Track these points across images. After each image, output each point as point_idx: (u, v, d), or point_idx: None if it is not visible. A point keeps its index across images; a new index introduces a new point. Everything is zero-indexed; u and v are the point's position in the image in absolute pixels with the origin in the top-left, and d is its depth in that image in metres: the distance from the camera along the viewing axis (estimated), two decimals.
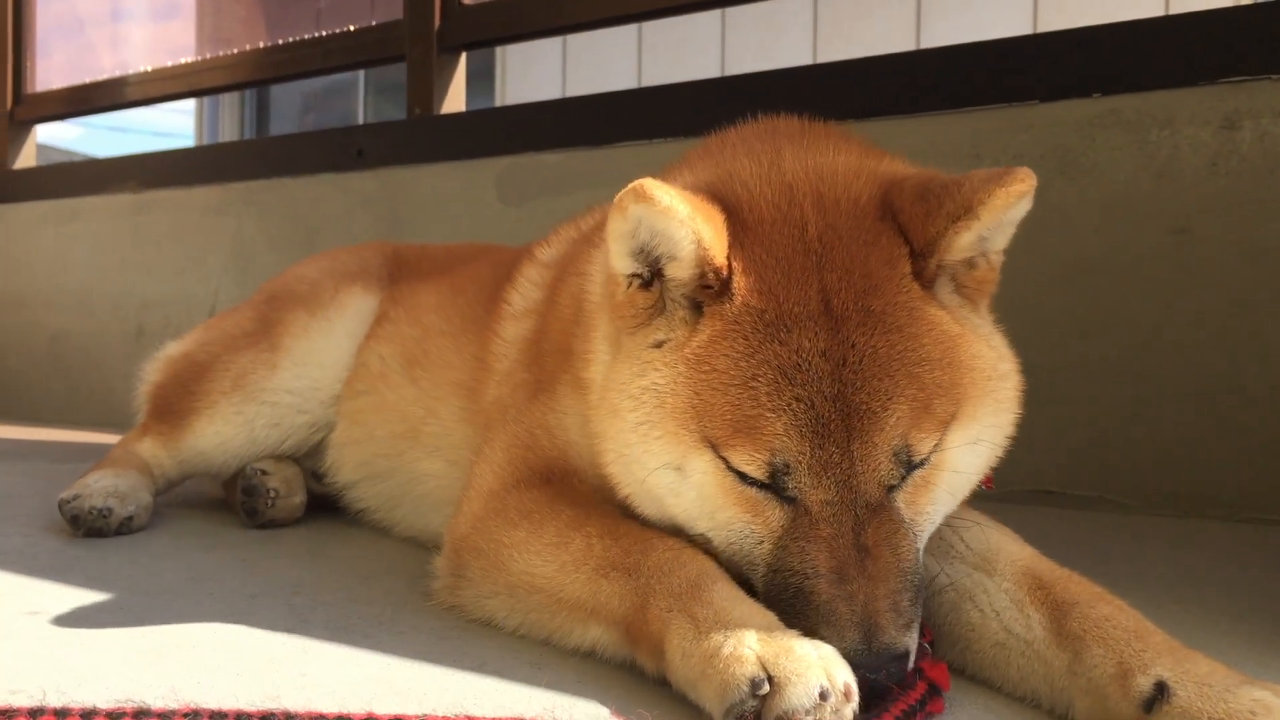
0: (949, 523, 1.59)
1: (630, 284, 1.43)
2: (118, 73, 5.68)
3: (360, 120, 12.67)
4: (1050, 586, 1.40)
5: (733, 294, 1.36)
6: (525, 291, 2.03)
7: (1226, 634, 1.62)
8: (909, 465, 1.34)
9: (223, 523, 2.44)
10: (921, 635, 1.35)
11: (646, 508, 1.48)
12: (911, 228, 1.40)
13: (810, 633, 1.26)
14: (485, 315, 2.09)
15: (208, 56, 5.42)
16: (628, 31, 10.06)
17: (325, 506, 2.47)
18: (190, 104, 14.29)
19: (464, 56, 4.39)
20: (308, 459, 2.44)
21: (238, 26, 6.66)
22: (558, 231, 2.13)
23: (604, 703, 1.30)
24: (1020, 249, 2.67)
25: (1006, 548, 1.51)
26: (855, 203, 1.43)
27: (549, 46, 10.62)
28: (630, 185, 1.33)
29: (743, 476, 1.34)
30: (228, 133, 13.39)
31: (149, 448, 2.44)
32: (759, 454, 1.31)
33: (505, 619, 1.58)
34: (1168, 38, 2.74)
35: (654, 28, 9.82)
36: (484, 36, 4.38)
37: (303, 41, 4.92)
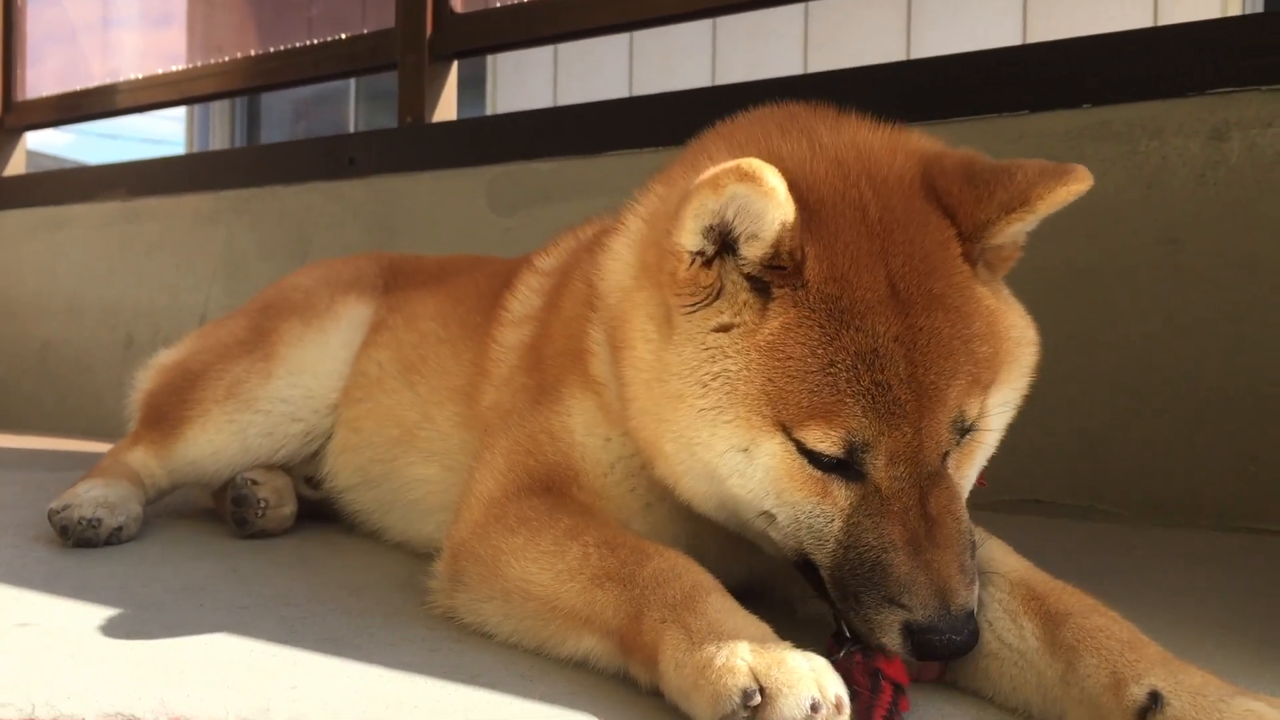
0: None
1: (693, 261, 1.41)
2: (109, 80, 5.66)
3: (351, 127, 12.67)
4: (1044, 598, 1.40)
5: (806, 279, 1.37)
6: (525, 298, 2.03)
7: (1219, 645, 1.62)
8: (962, 432, 1.41)
9: (212, 533, 2.43)
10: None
11: (701, 487, 1.48)
12: (961, 211, 1.45)
13: (888, 601, 1.33)
14: (484, 322, 2.08)
15: (199, 64, 5.41)
16: (619, 40, 10.08)
17: (316, 514, 2.46)
18: (181, 111, 14.27)
19: (455, 65, 4.39)
20: (300, 465, 2.43)
21: (229, 34, 6.66)
22: (556, 241, 2.13)
23: (596, 714, 1.30)
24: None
25: (1000, 559, 1.51)
26: (903, 181, 1.46)
27: (540, 55, 10.63)
28: (729, 164, 1.33)
29: (814, 458, 1.37)
30: (219, 140, 13.36)
31: (140, 457, 2.43)
32: (836, 435, 1.35)
33: (499, 625, 1.58)
34: (1156, 49, 2.76)
35: (645, 36, 9.83)
36: (476, 45, 4.38)
37: (294, 49, 4.92)
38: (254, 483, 2.33)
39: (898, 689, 1.30)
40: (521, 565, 1.54)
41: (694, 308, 1.42)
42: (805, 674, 1.18)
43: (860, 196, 1.43)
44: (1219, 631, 1.69)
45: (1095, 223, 2.76)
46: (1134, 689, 1.22)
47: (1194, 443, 2.61)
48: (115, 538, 2.23)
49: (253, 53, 5.17)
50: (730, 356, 1.39)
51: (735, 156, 1.48)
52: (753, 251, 1.38)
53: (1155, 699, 1.19)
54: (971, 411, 1.40)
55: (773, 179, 1.32)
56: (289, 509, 2.38)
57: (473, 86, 10.98)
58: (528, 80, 10.97)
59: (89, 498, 2.23)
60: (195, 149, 13.29)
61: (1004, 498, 2.79)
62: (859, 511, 1.38)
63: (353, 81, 12.33)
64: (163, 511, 2.62)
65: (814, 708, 1.15)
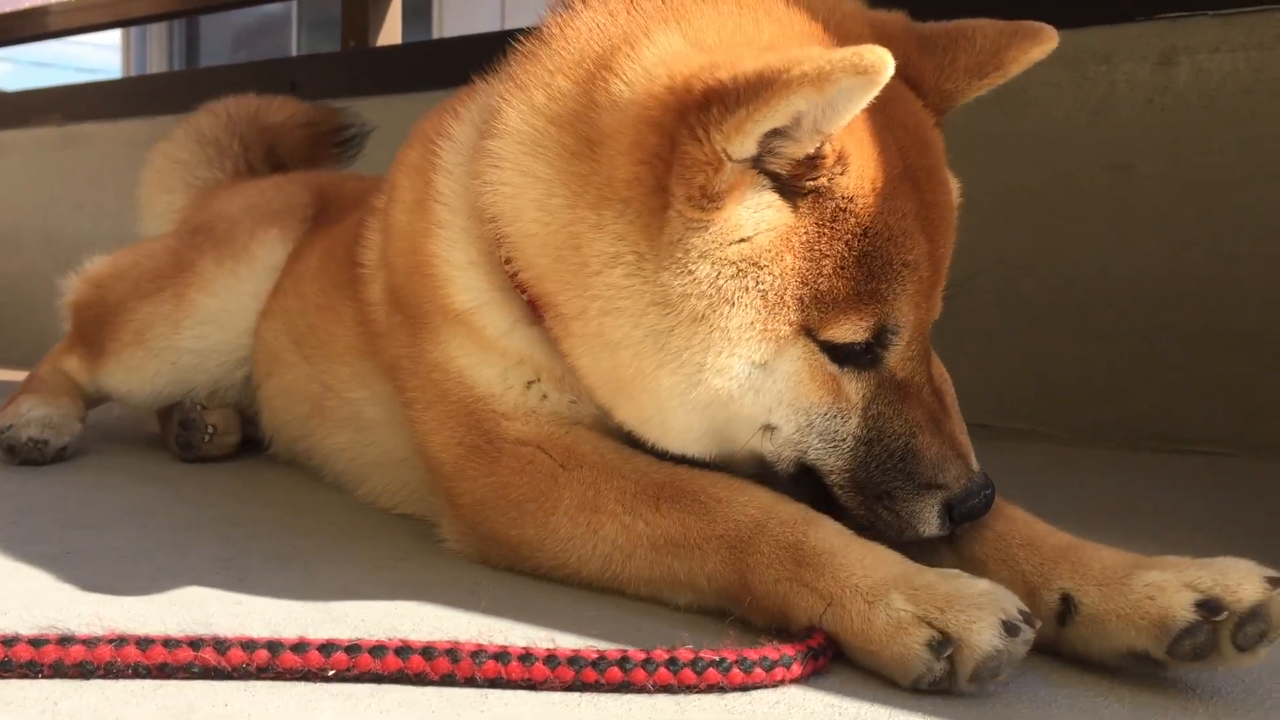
0: None
1: (731, 170, 1.24)
2: (40, 1, 5.47)
3: (296, 55, 12.38)
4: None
5: (848, 167, 1.27)
6: (374, 244, 1.88)
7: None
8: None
9: (156, 457, 2.40)
10: None
11: (693, 419, 1.36)
12: (925, 83, 1.40)
13: (925, 487, 1.31)
14: (351, 281, 1.95)
15: None
16: None
17: (261, 448, 2.43)
18: (117, 40, 13.86)
19: None
20: (244, 401, 2.38)
21: None
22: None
23: (542, 625, 1.30)
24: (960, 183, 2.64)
25: None
26: None
27: None
28: (845, 54, 1.12)
29: (836, 353, 1.32)
30: (155, 69, 13.01)
31: (75, 366, 2.45)
32: (869, 323, 1.30)
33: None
34: None
35: None
36: None
37: None
38: (203, 408, 2.32)
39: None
40: (553, 555, 1.45)
41: (709, 223, 1.26)
42: (981, 598, 1.14)
43: None
44: (1156, 545, 1.72)
45: (1044, 148, 2.77)
46: (1046, 596, 1.24)
47: (1136, 367, 2.65)
48: (60, 456, 2.29)
49: None
50: (763, 266, 1.27)
51: (733, 31, 1.34)
52: (799, 149, 1.24)
53: (1068, 602, 1.22)
54: None
55: (890, 69, 1.13)
56: (234, 437, 2.36)
57: (418, 14, 10.75)
58: (474, 5, 10.76)
59: (34, 417, 2.28)
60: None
61: None
62: (876, 403, 1.34)
63: (294, 8, 12.04)
64: (106, 434, 2.58)
65: (1010, 629, 1.11)
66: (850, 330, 1.30)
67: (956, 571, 1.21)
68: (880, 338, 1.32)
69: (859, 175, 1.28)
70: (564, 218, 1.37)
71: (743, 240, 1.27)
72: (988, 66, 1.39)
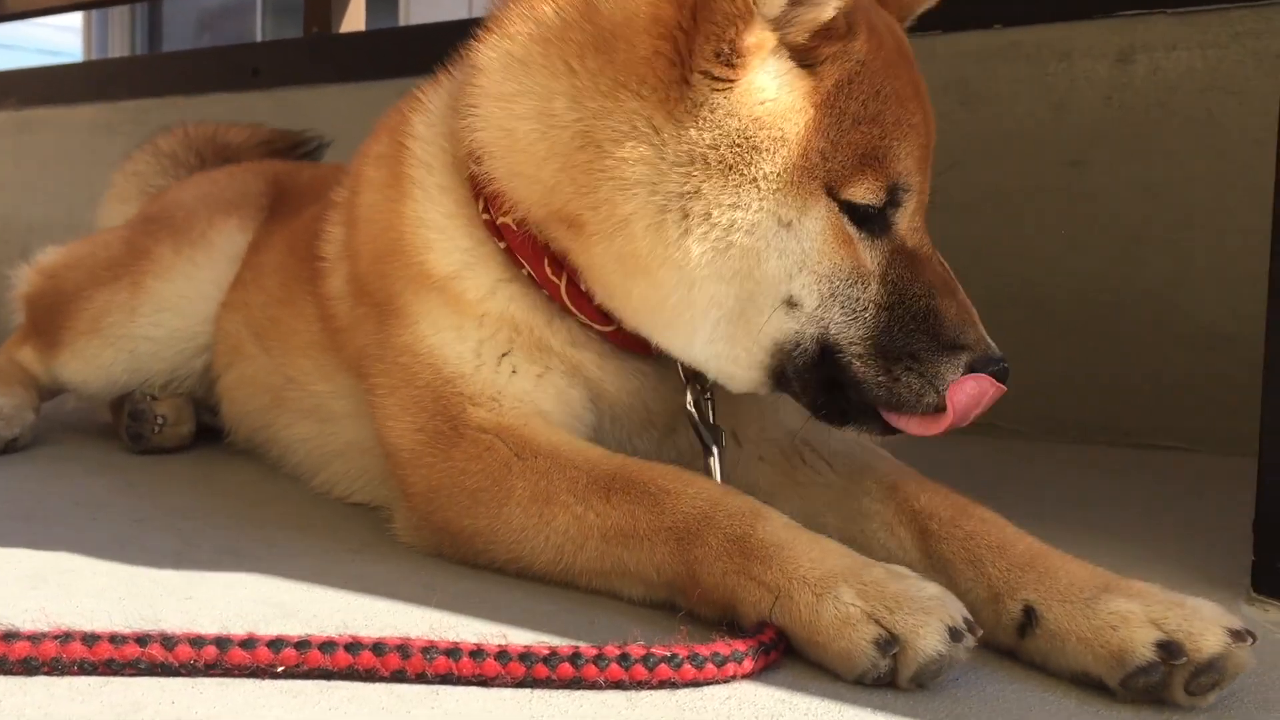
0: (812, 442, 1.63)
1: (760, 26, 1.33)
2: None
3: (258, 41, 12.24)
4: (914, 498, 1.44)
5: (857, 35, 1.38)
6: (334, 237, 1.88)
7: (1108, 548, 1.66)
8: None
9: (108, 448, 2.37)
10: None
11: (721, 291, 1.38)
12: None
13: (949, 347, 1.36)
14: (312, 275, 1.95)
15: None
16: None
17: (218, 436, 2.41)
18: (79, 22, 13.65)
19: None
20: (204, 392, 2.36)
21: None
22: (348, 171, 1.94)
23: (495, 620, 1.30)
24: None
25: (871, 464, 1.55)
26: None
27: None
28: None
29: (854, 214, 1.38)
30: (117, 51, 12.82)
31: (29, 357, 2.40)
32: (883, 182, 1.38)
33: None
34: None
35: None
36: None
37: None
38: (153, 398, 2.29)
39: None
40: (506, 546, 1.46)
41: (733, 82, 1.34)
42: (929, 602, 1.15)
43: None
44: (1107, 538, 1.74)
45: (1004, 143, 2.78)
46: (1010, 604, 1.25)
47: (1092, 362, 2.67)
48: (11, 447, 2.25)
49: None
50: (788, 118, 1.35)
51: None
52: (819, 14, 1.35)
53: (1030, 614, 1.23)
54: None
55: None
56: (187, 428, 2.33)
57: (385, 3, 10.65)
58: None
59: None
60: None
61: None
62: (893, 268, 1.40)
63: None
64: (57, 425, 2.54)
65: (954, 635, 1.12)
66: (867, 189, 1.37)
67: (904, 570, 1.22)
68: (893, 197, 1.39)
69: (867, 42, 1.39)
70: (569, 118, 1.42)
71: (767, 100, 1.35)
72: None
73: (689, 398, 1.54)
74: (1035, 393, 2.73)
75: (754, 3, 1.31)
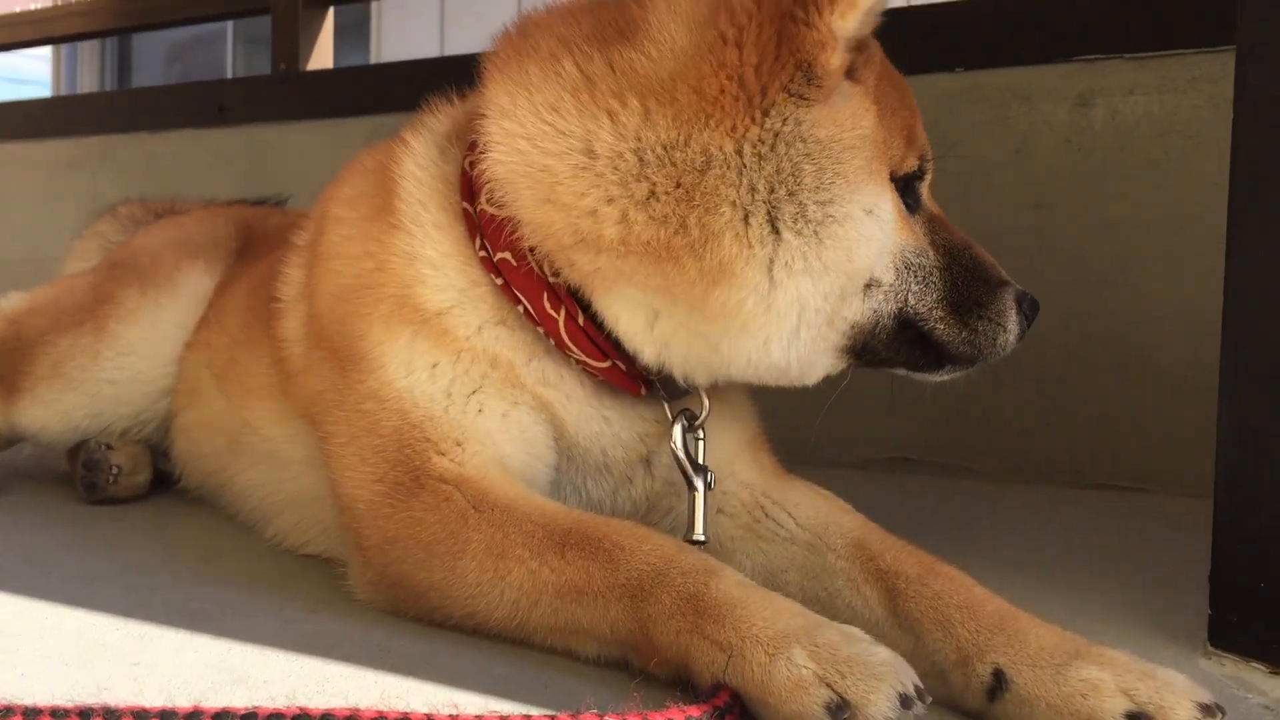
0: (773, 496, 1.63)
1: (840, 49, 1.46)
2: None
3: (229, 71, 12.24)
4: (880, 556, 1.44)
5: (872, 45, 1.55)
6: (292, 279, 1.88)
7: (1067, 600, 1.67)
8: None
9: (63, 497, 2.33)
10: None
11: (814, 287, 1.45)
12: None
13: (998, 285, 1.58)
14: (270, 317, 1.94)
15: (62, 2, 5.14)
16: None
17: (174, 483, 2.38)
18: (48, 50, 13.59)
19: (331, 11, 4.25)
20: (160, 439, 2.33)
21: None
22: (311, 216, 1.96)
23: (455, 685, 1.28)
24: None
25: (836, 520, 1.55)
26: None
27: (426, 2, 10.37)
28: None
29: (907, 188, 1.55)
30: (87, 81, 12.78)
31: None
32: (916, 154, 1.57)
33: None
34: (1027, 15, 2.79)
35: None
36: None
37: None
38: (108, 447, 2.25)
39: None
40: (461, 602, 1.44)
41: (816, 100, 1.45)
42: (881, 668, 1.14)
43: None
44: (1063, 587, 1.75)
45: (967, 185, 2.80)
46: (979, 668, 1.25)
47: (1053, 404, 2.69)
48: None
49: None
50: (861, 118, 1.48)
51: None
52: (865, 28, 1.47)
53: (1000, 678, 1.23)
54: None
55: None
56: (143, 477, 2.29)
57: (356, 33, 10.68)
58: (412, 29, 10.71)
59: None
60: (62, 89, 12.70)
61: (875, 455, 2.85)
62: (935, 234, 1.57)
63: (230, 23, 11.89)
64: (11, 474, 2.51)
65: (905, 702, 1.12)
66: (913, 162, 1.56)
67: (857, 632, 1.21)
68: (921, 168, 1.58)
69: (878, 47, 1.57)
70: (614, 153, 1.47)
71: (844, 108, 1.47)
72: None
73: (675, 434, 1.56)
74: (998, 432, 2.74)
75: (838, 32, 1.44)
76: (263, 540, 1.95)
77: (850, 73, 1.49)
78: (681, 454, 1.56)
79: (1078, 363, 2.66)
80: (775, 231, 1.43)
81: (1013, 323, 1.58)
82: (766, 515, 1.64)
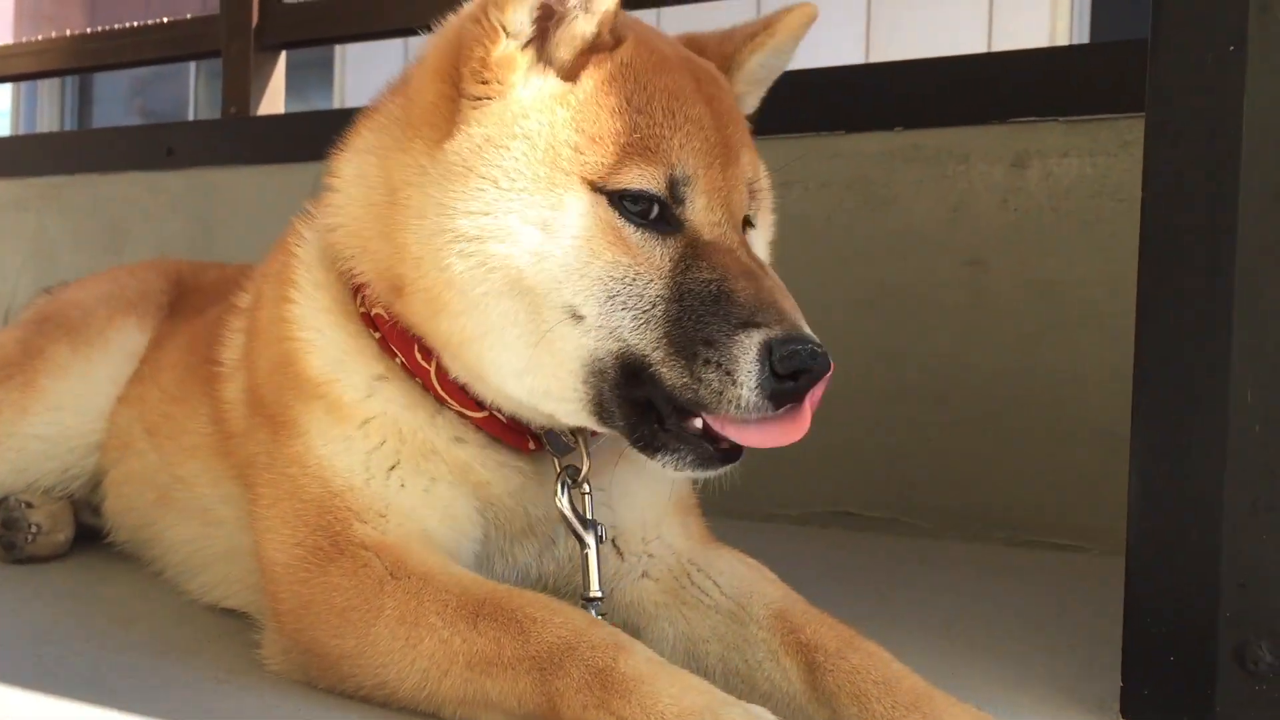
0: (698, 563, 1.62)
1: (508, 44, 1.40)
2: None
3: (191, 107, 12.20)
4: (801, 629, 1.43)
5: (624, 43, 1.44)
6: (233, 343, 1.87)
7: (985, 667, 1.67)
8: (751, 194, 1.49)
9: None
10: None
11: (502, 307, 1.38)
12: (706, 49, 1.64)
13: (742, 325, 1.30)
14: (210, 377, 1.93)
15: (19, 41, 5.12)
16: None
17: (101, 537, 2.34)
18: (7, 85, 13.50)
19: (284, 56, 4.25)
20: (86, 492, 2.29)
21: (60, 7, 6.32)
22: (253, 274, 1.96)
23: None
24: (824, 275, 2.74)
25: (760, 590, 1.54)
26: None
27: (389, 45, 10.39)
28: None
29: (627, 209, 1.36)
30: (47, 116, 12.70)
31: None
32: (659, 170, 1.37)
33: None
34: (964, 77, 2.84)
35: None
36: (305, 36, 4.24)
37: (116, 31, 4.69)
38: (28, 505, 2.20)
39: None
40: (372, 671, 1.41)
41: (488, 99, 1.40)
42: None
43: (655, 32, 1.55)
44: (985, 657, 1.75)
45: (905, 242, 2.83)
46: None
47: (989, 459, 2.70)
48: None
49: (69, 33, 4.92)
50: (529, 118, 1.38)
51: None
52: (584, 28, 1.40)
53: None
54: (757, 185, 1.51)
55: None
56: (64, 535, 2.25)
57: (319, 73, 10.67)
58: (376, 70, 10.70)
59: None
60: (21, 125, 12.61)
61: (815, 509, 2.85)
62: (684, 263, 1.36)
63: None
64: None
65: None
66: (640, 176, 1.36)
67: (763, 712, 1.20)
68: (674, 190, 1.38)
69: (637, 50, 1.44)
70: (379, 181, 1.50)
71: (515, 107, 1.39)
72: (757, 28, 1.64)
73: (558, 492, 1.51)
74: (935, 489, 2.76)
75: (500, 23, 1.38)
76: (184, 596, 1.93)
77: (572, 75, 1.42)
78: (568, 511, 1.51)
79: (1013, 419, 2.68)
80: (449, 250, 1.38)
81: (747, 375, 1.29)
82: (691, 582, 1.63)
